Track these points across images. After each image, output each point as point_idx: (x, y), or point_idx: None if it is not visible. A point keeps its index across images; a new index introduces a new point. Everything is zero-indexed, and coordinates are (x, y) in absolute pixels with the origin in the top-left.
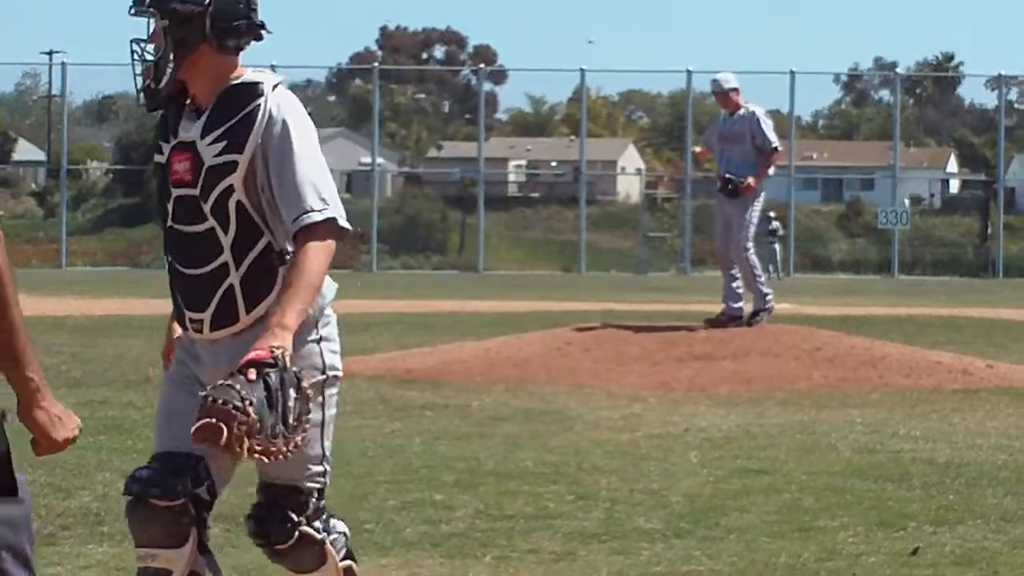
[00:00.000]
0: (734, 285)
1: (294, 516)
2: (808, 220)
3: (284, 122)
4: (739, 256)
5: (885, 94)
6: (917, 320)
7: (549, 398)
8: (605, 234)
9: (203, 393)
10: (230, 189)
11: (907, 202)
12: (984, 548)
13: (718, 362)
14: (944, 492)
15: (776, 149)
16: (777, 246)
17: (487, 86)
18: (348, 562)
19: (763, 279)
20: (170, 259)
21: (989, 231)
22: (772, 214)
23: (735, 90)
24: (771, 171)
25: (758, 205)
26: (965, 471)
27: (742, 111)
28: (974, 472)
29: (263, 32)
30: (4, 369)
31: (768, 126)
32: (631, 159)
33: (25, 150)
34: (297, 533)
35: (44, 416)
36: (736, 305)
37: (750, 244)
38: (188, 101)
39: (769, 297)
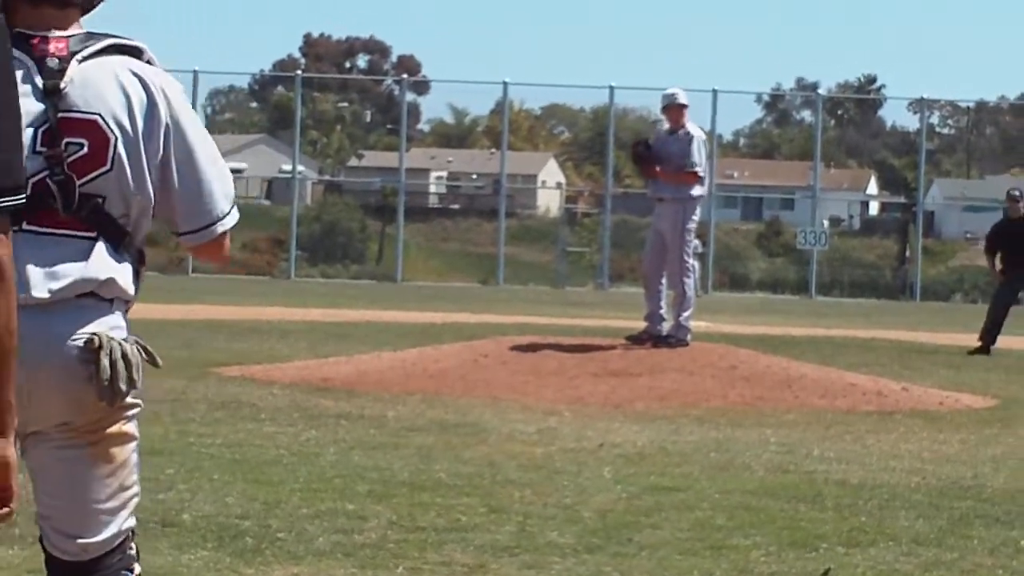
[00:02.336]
0: (661, 306)
1: None
2: (727, 238)
3: None
4: (678, 272)
5: (807, 114)
6: (834, 341)
7: (464, 410)
8: (524, 247)
9: None
10: None
11: (826, 223)
12: (896, 570)
13: (634, 378)
14: (857, 514)
15: (695, 174)
16: (696, 264)
17: (409, 96)
18: None
19: (691, 313)
20: None
21: (907, 254)
22: None
23: (686, 107)
24: (695, 192)
25: (693, 222)
26: (878, 493)
27: (682, 131)
28: (887, 494)
29: None
30: None
31: (700, 152)
32: (552, 173)
33: None
34: None
35: (12, 452)
36: (659, 327)
37: (691, 261)
38: None
39: (689, 336)
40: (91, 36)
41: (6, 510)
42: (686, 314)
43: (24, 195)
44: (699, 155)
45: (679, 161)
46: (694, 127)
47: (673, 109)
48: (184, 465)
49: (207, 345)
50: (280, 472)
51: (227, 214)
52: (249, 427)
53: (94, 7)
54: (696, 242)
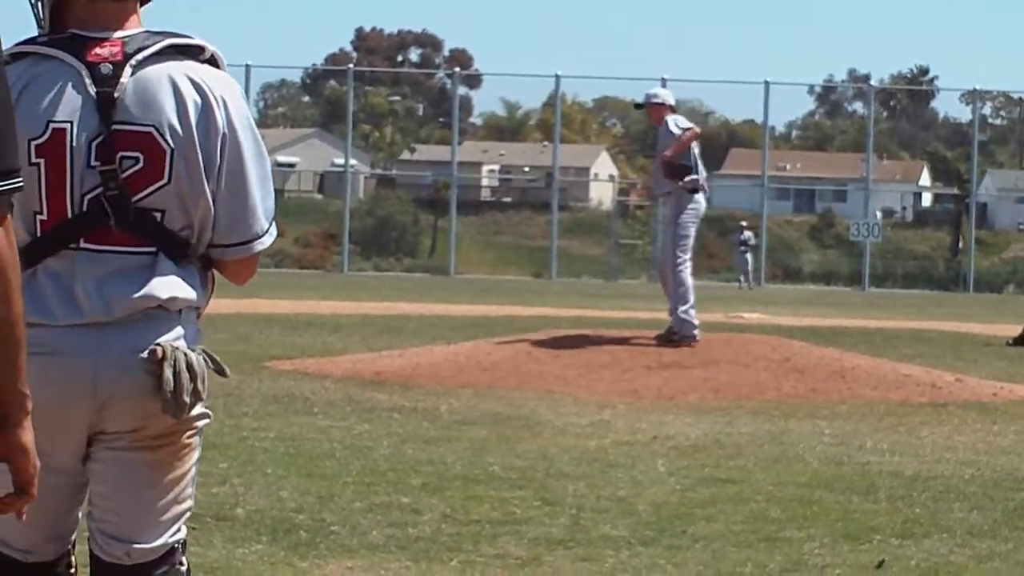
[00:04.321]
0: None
1: None
2: (780, 230)
3: None
4: (669, 265)
5: (859, 106)
6: (886, 333)
7: (518, 403)
8: (577, 240)
9: None
10: None
11: (879, 214)
12: (950, 562)
13: (687, 370)
14: (910, 505)
15: (680, 137)
16: (749, 256)
17: (462, 90)
18: None
19: (690, 306)
20: None
21: (960, 245)
22: (744, 224)
23: (661, 105)
24: (702, 175)
25: (691, 214)
26: (932, 485)
27: (662, 126)
28: (941, 486)
29: None
30: None
31: (672, 122)
32: (604, 166)
33: None
34: None
35: (30, 438)
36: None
37: (684, 256)
38: None
39: (695, 331)
40: (149, 36)
41: (27, 497)
42: (684, 308)
43: (20, 179)
44: (673, 127)
45: (669, 143)
46: (669, 116)
47: (647, 108)
48: (238, 459)
49: (261, 339)
50: (334, 466)
51: (266, 232)
52: (303, 421)
53: None
54: (748, 234)
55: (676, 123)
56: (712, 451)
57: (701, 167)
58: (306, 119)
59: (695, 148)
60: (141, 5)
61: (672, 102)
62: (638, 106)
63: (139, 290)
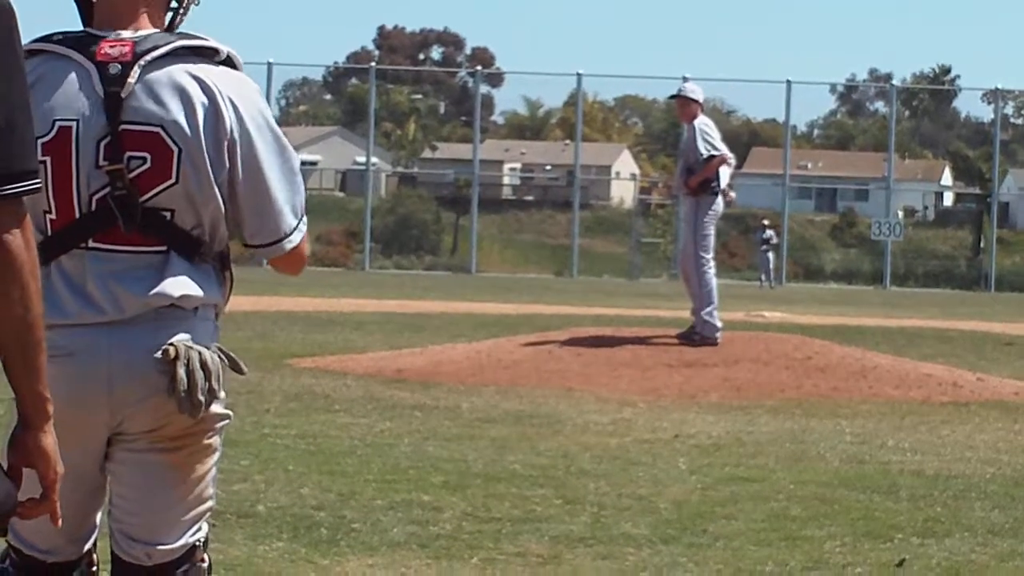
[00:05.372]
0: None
1: None
2: (801, 229)
3: None
4: (692, 267)
5: (880, 105)
6: (908, 332)
7: (539, 401)
8: (598, 239)
9: None
10: None
11: (901, 214)
12: (971, 561)
13: (709, 369)
14: (932, 504)
15: (711, 157)
16: (770, 255)
17: (483, 88)
18: None
19: (713, 307)
20: None
21: (982, 245)
22: (766, 222)
23: (694, 102)
24: (724, 178)
25: (711, 215)
26: (953, 484)
27: (690, 128)
28: (962, 485)
29: None
30: (15, 379)
31: (701, 136)
32: (626, 164)
33: None
34: None
35: (52, 443)
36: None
37: (707, 256)
38: None
39: (718, 333)
40: (161, 37)
41: (48, 502)
42: (708, 309)
43: (38, 181)
44: (702, 142)
45: (694, 156)
46: (700, 119)
47: (677, 100)
48: (259, 456)
49: (282, 336)
50: (355, 463)
51: (295, 229)
52: (324, 418)
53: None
54: (770, 232)
55: (706, 138)
56: (733, 449)
57: (725, 176)
58: (328, 117)
59: (712, 134)
60: (167, 8)
61: (702, 99)
62: (672, 96)
63: (150, 289)
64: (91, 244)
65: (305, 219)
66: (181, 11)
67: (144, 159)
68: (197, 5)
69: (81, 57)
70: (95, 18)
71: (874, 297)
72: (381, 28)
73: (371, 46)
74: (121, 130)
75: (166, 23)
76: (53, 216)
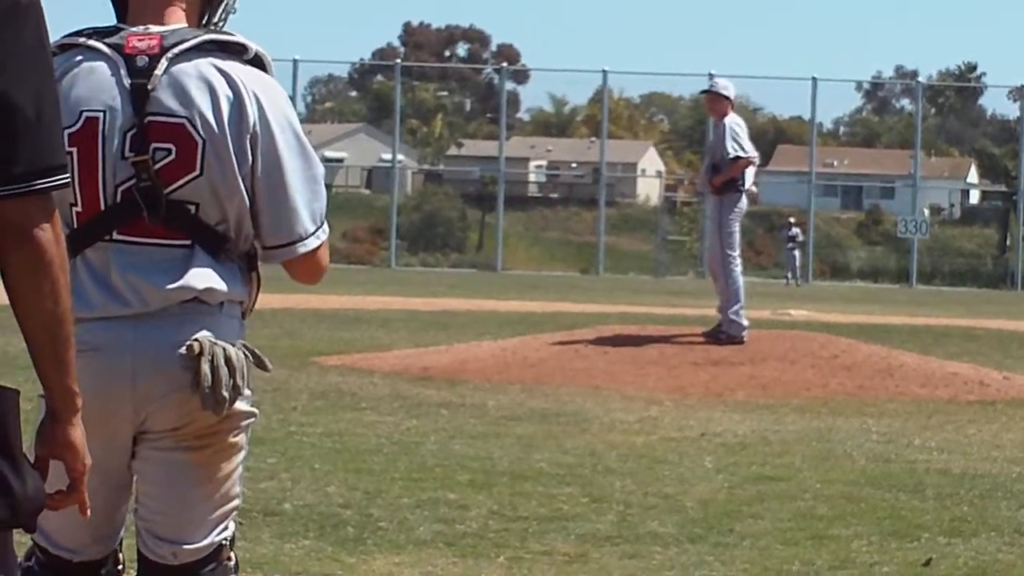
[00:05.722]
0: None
1: None
2: (827, 227)
3: None
4: (719, 265)
5: (906, 103)
6: (934, 330)
7: (565, 399)
8: (624, 236)
9: None
10: None
11: (927, 211)
12: (998, 560)
13: (735, 367)
14: (958, 503)
15: (737, 158)
16: (796, 252)
17: (509, 85)
18: None
19: (740, 306)
20: None
21: (1008, 243)
22: (792, 220)
23: (726, 99)
24: (748, 178)
25: (736, 213)
26: (979, 483)
27: (721, 123)
28: (988, 484)
29: None
30: (44, 373)
31: (730, 135)
32: (651, 162)
33: None
34: None
35: (80, 435)
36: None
37: (733, 254)
38: None
39: (744, 332)
40: (189, 31)
41: (76, 495)
42: (735, 307)
43: (67, 176)
44: (731, 141)
45: (721, 154)
46: (731, 117)
47: (708, 96)
48: (285, 454)
49: (308, 334)
50: (381, 461)
51: (311, 234)
52: (350, 416)
53: None
54: (796, 230)
55: (735, 138)
56: (759, 448)
57: (750, 176)
58: (354, 114)
59: (741, 134)
60: (203, 12)
61: (734, 96)
62: (704, 92)
63: (174, 281)
64: (116, 236)
65: (326, 228)
66: (218, 12)
67: (169, 150)
68: (234, 13)
69: (110, 50)
70: (129, 14)
71: (900, 295)
72: (407, 24)
73: (397, 43)
74: (147, 121)
75: (199, 23)
76: (79, 208)
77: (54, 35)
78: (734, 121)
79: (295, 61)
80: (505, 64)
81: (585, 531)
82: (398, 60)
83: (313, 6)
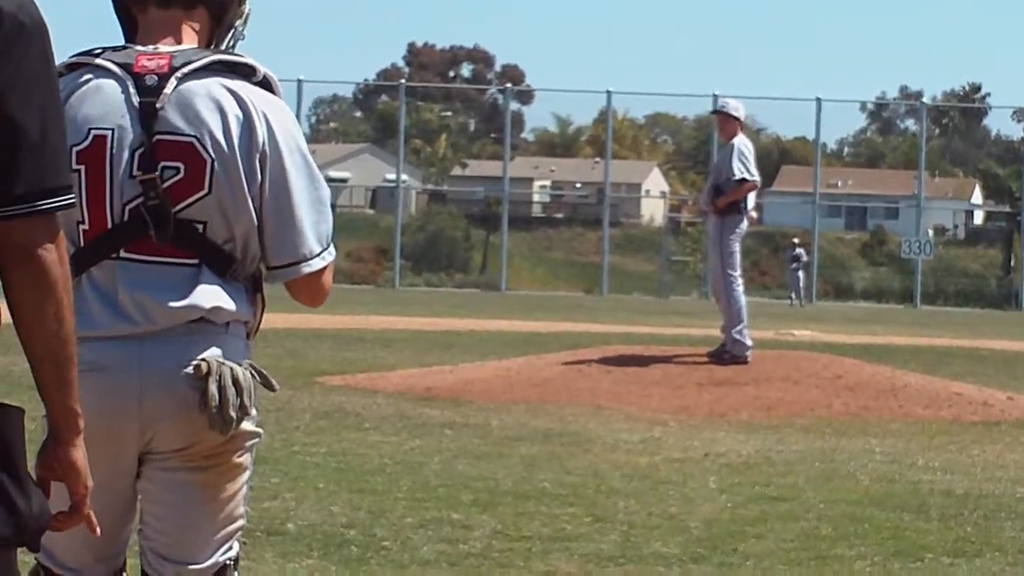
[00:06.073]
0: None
1: None
2: (831, 248)
3: None
4: (721, 283)
5: (911, 123)
6: (938, 351)
7: (568, 419)
8: (628, 257)
9: None
10: None
11: (931, 232)
12: None
13: (739, 387)
14: (962, 524)
15: (743, 180)
16: (800, 273)
17: (513, 106)
18: None
19: (743, 326)
20: None
21: (1012, 263)
22: (796, 241)
23: (736, 121)
24: (750, 201)
25: (736, 234)
26: (983, 503)
27: (727, 146)
28: (992, 504)
29: None
30: (46, 393)
31: (737, 156)
32: (656, 182)
33: None
34: None
35: (81, 457)
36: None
37: (735, 274)
38: None
39: (748, 352)
40: (198, 52)
41: (79, 516)
42: (738, 327)
43: (72, 196)
44: (738, 163)
45: (726, 174)
46: (740, 138)
47: (718, 116)
48: (289, 474)
49: (312, 354)
50: (385, 481)
51: (316, 255)
52: (354, 436)
53: (225, 14)
54: (800, 251)
55: (742, 160)
56: (763, 468)
57: (751, 199)
58: (358, 134)
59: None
60: (213, 27)
61: (744, 117)
62: (714, 112)
63: (180, 300)
64: (122, 254)
65: (332, 251)
66: (227, 38)
67: (177, 169)
68: (243, 39)
69: (119, 69)
70: (139, 35)
71: (904, 316)
72: (411, 45)
73: (401, 63)
74: (155, 140)
75: (208, 47)
76: (86, 226)
77: (61, 56)
78: (743, 143)
79: (300, 81)
80: (509, 84)
81: (589, 551)
82: (402, 80)
83: (318, 27)
